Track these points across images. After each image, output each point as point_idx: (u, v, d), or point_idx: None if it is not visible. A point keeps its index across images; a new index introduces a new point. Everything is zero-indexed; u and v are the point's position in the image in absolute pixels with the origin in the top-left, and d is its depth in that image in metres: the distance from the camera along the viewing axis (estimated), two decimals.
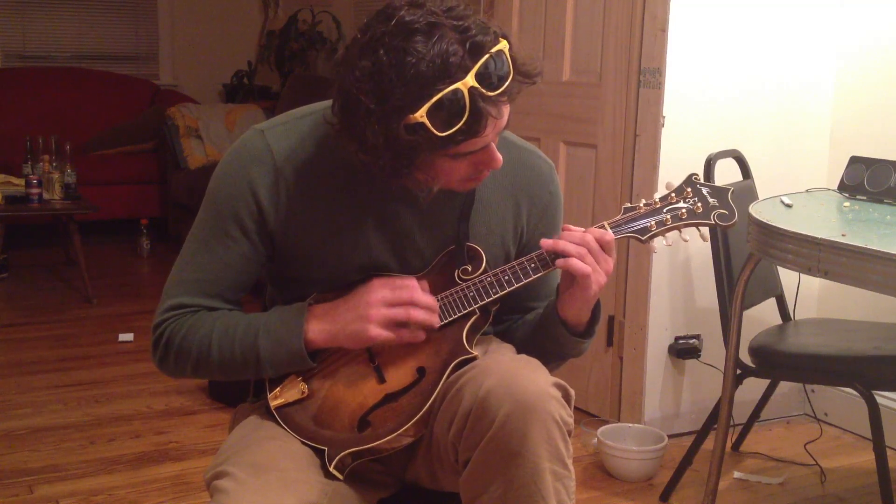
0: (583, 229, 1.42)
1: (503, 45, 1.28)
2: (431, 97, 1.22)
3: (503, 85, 1.26)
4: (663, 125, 2.89)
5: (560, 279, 1.46)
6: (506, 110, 1.30)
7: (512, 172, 1.51)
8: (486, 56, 1.25)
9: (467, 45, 1.24)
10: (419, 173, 1.33)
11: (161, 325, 1.44)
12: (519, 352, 1.50)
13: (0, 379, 3.47)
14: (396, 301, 1.38)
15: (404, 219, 1.45)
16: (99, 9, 6.49)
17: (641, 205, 1.47)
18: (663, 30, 2.85)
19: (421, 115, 1.23)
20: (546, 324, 1.50)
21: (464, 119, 1.24)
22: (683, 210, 1.46)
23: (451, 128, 1.24)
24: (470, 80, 1.23)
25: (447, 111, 1.23)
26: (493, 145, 1.33)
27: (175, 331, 1.42)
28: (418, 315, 1.38)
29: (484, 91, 1.24)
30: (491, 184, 1.47)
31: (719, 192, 1.48)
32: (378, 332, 1.37)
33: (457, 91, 1.23)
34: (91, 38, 6.53)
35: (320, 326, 1.40)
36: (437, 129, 1.24)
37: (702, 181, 1.48)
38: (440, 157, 1.31)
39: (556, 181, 1.57)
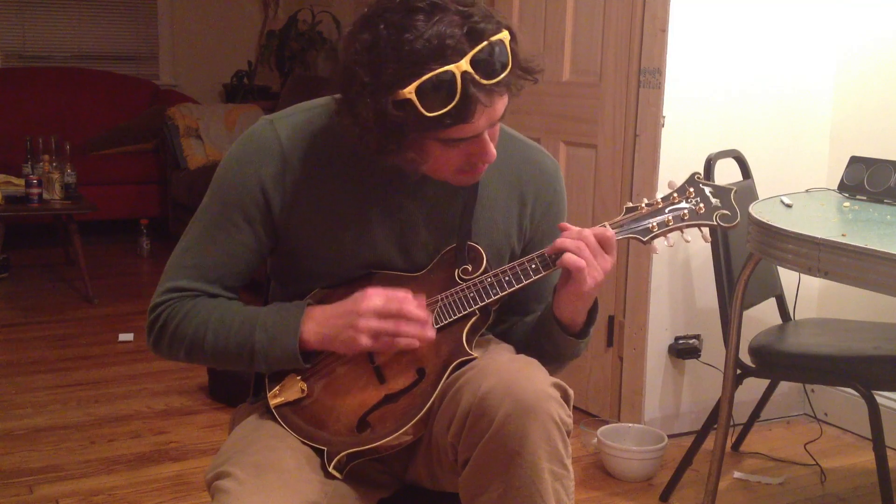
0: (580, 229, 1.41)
1: (504, 35, 1.27)
2: (422, 75, 1.22)
3: (499, 75, 1.26)
4: (663, 125, 2.89)
5: (558, 277, 1.45)
6: (500, 101, 1.29)
7: (517, 169, 1.50)
8: (485, 43, 1.25)
9: (466, 29, 1.24)
10: (409, 153, 1.32)
11: (159, 306, 1.43)
12: (518, 353, 1.49)
13: (0, 379, 3.47)
14: (387, 313, 1.35)
15: (409, 212, 1.44)
16: (99, 9, 6.49)
17: (643, 204, 1.46)
18: (663, 30, 2.85)
19: (409, 91, 1.22)
20: (543, 322, 1.50)
21: (454, 103, 1.23)
22: (685, 210, 1.45)
23: (440, 110, 1.23)
24: (464, 64, 1.23)
25: (436, 92, 1.22)
26: (487, 137, 1.32)
27: (172, 314, 1.42)
28: (408, 329, 1.36)
29: (477, 77, 1.23)
30: (496, 180, 1.47)
31: (722, 192, 1.47)
32: (367, 343, 1.36)
33: (448, 73, 1.22)
34: (91, 38, 6.53)
35: (315, 329, 1.39)
36: (424, 109, 1.23)
37: (704, 180, 1.47)
38: (430, 141, 1.30)
39: (560, 179, 1.57)
